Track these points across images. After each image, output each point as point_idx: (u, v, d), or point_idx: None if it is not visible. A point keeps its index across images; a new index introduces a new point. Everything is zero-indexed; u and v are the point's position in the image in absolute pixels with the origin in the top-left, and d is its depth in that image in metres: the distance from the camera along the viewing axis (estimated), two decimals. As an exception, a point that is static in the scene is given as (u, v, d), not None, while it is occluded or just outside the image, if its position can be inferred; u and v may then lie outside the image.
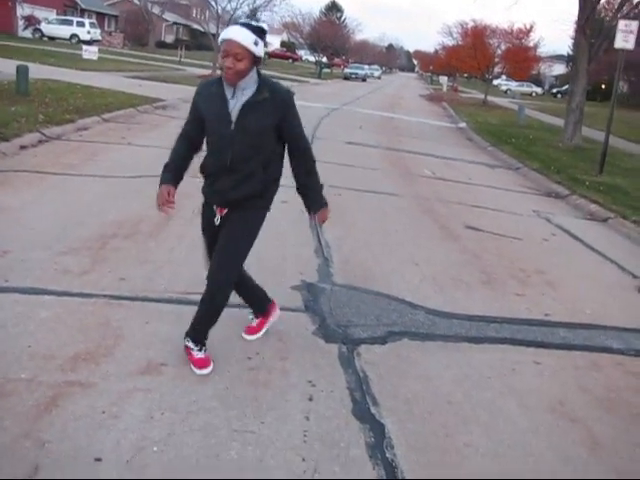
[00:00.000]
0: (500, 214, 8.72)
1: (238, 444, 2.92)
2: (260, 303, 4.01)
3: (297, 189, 3.60)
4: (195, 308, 3.57)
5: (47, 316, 4.03)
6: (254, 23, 3.26)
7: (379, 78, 79.79)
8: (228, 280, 3.48)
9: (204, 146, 3.53)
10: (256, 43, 3.15)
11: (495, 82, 55.55)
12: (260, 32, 3.19)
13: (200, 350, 3.55)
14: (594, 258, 7.19)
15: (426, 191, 9.58)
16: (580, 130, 17.07)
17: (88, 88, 17.15)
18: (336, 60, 79.51)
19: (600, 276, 6.54)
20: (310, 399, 3.38)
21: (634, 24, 11.46)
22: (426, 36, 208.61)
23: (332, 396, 3.44)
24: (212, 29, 33.33)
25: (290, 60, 79.15)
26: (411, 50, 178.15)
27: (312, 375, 3.63)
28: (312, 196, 3.59)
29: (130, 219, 6.26)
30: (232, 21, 31.46)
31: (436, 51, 74.63)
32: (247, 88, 3.27)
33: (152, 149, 10.30)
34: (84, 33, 45.01)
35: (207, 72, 29.72)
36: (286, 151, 3.52)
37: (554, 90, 65.67)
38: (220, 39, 3.23)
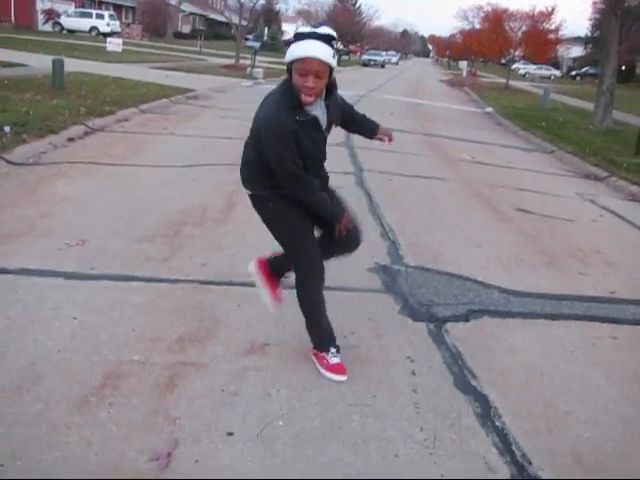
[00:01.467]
0: (545, 196, 8.80)
1: (357, 416, 3.07)
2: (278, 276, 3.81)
3: (355, 129, 3.75)
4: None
5: (141, 301, 4.19)
6: (325, 32, 2.96)
7: (397, 64, 79.55)
8: None
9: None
10: (333, 55, 2.99)
11: (513, 66, 55.28)
12: (332, 40, 2.99)
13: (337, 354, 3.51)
14: (645, 238, 7.26)
15: (470, 175, 9.67)
16: (611, 112, 17.02)
17: (119, 80, 17.33)
18: (352, 47, 79.37)
19: (655, 255, 6.61)
20: (413, 373, 3.53)
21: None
22: (441, 21, 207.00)
23: (432, 370, 3.58)
24: (233, 19, 33.41)
25: (305, 48, 78.98)
26: (426, 35, 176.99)
27: (409, 351, 3.78)
28: (367, 122, 3.70)
29: (194, 207, 6.41)
30: (253, 12, 31.50)
31: (452, 36, 74.13)
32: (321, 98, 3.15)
33: (195, 139, 10.48)
34: (103, 25, 45.23)
35: (230, 62, 29.83)
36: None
37: (573, 72, 65.16)
38: (294, 56, 2.95)
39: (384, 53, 72.44)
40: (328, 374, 3.42)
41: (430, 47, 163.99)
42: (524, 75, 57.74)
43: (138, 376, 3.29)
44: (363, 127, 3.74)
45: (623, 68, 44.72)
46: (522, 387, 3.51)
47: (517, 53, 37.62)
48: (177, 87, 17.54)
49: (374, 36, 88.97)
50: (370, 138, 3.77)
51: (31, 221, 5.58)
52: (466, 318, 4.35)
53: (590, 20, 65.64)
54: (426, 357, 3.73)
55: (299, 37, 2.97)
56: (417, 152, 11.37)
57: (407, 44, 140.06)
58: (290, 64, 2.98)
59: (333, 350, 3.48)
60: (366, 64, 60.46)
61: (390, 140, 3.74)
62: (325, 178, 3.51)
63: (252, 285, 4.57)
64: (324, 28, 2.98)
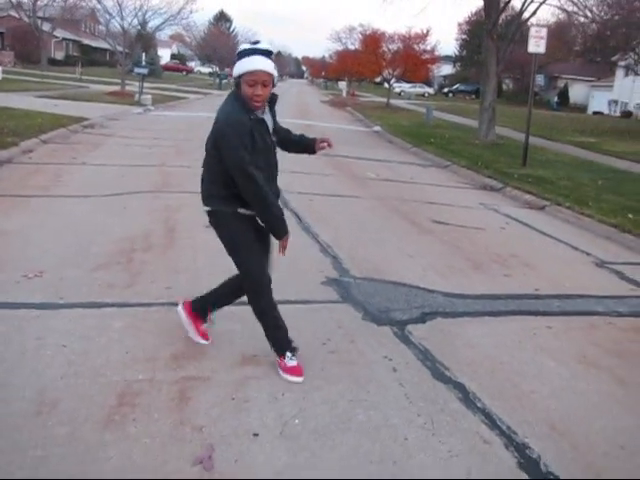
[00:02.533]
0: (453, 208, 9.53)
1: (361, 410, 3.44)
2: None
3: (296, 149, 4.06)
4: (247, 308, 3.92)
5: (122, 325, 4.38)
6: (264, 47, 3.44)
7: (274, 86, 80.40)
8: None
9: None
10: (275, 67, 3.49)
11: (387, 85, 57.53)
12: (271, 55, 3.47)
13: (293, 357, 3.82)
14: (549, 241, 8.09)
15: (380, 192, 10.28)
16: (494, 127, 18.36)
17: (8, 110, 16.91)
18: (228, 70, 79.62)
19: (561, 255, 7.42)
20: (394, 370, 3.95)
21: (543, 30, 12.65)
22: (313, 42, 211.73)
23: (410, 366, 4.02)
24: (105, 44, 32.89)
25: (184, 72, 78.66)
26: (299, 57, 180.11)
27: (383, 352, 4.20)
28: (305, 139, 4.02)
29: (136, 235, 6.57)
30: (132, 38, 31.26)
31: (323, 57, 75.96)
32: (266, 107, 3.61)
33: (109, 167, 10.51)
34: (-29, 53, 43.23)
35: (116, 89, 29.43)
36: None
37: (445, 90, 68.67)
38: (243, 70, 3.38)
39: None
40: (286, 375, 3.74)
41: (304, 68, 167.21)
42: (399, 93, 60.22)
43: (150, 393, 3.50)
44: (303, 144, 4.06)
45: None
46: (489, 374, 4.02)
47: (394, 72, 39.37)
48: (70, 116, 17.29)
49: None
50: (313, 152, 4.10)
51: (-24, 257, 5.57)
52: (422, 320, 4.84)
53: (457, 40, 69.66)
54: (400, 355, 4.17)
55: (243, 54, 3.42)
56: (325, 172, 11.89)
57: (282, 65, 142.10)
58: (238, 77, 3.43)
59: (289, 354, 3.80)
60: (246, 87, 60.84)
61: (330, 145, 4.07)
62: (276, 193, 3.80)
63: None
64: (263, 44, 3.46)
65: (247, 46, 3.47)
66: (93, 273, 5.36)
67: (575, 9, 18.10)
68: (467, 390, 3.76)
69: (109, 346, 4.04)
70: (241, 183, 3.51)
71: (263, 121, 3.57)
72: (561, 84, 57.48)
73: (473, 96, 60.01)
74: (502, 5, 17.79)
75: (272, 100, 3.68)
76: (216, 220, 3.79)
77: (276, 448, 3.07)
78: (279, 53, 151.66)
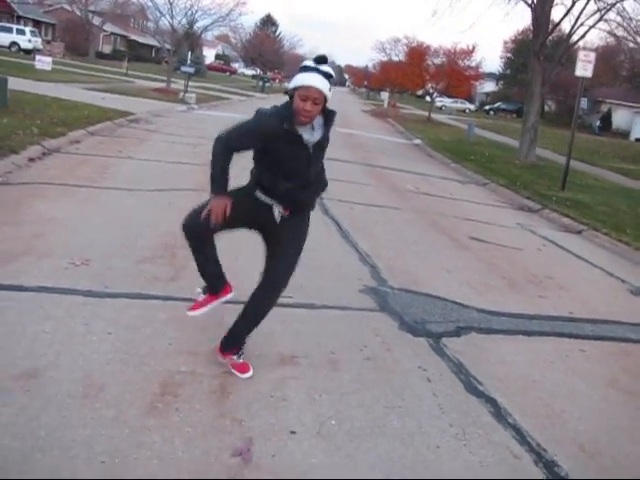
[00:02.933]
0: (491, 226, 9.57)
1: (395, 416, 3.54)
2: (216, 281, 4.12)
3: None
4: (287, 310, 4.02)
5: (166, 317, 4.52)
6: (326, 69, 3.53)
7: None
8: (288, 279, 3.86)
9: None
10: (330, 89, 3.53)
11: (428, 98, 57.44)
12: (330, 77, 3.54)
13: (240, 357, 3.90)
14: (584, 265, 8.09)
15: (421, 205, 10.37)
16: (535, 149, 18.31)
17: (58, 100, 17.28)
18: (270, 74, 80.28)
19: (596, 280, 7.43)
20: (428, 380, 4.04)
21: (592, 55, 12.63)
22: (357, 51, 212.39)
23: (444, 378, 4.10)
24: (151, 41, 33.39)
25: (227, 73, 79.48)
26: (342, 65, 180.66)
27: (418, 362, 4.29)
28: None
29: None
30: (180, 36, 31.79)
31: (366, 66, 76.10)
32: (316, 123, 3.63)
33: (154, 163, 10.74)
34: (24, 41, 44.22)
35: (161, 85, 29.91)
36: None
37: (486, 107, 68.38)
38: (299, 83, 3.48)
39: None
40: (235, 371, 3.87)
41: (346, 76, 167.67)
42: (440, 108, 60.14)
43: (191, 385, 3.64)
44: None
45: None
46: (521, 391, 4.09)
47: (437, 86, 39.38)
48: (116, 110, 17.63)
49: (294, 63, 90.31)
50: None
51: (27, 241, 5.76)
52: (457, 334, 4.91)
53: (501, 58, 69.36)
54: (435, 367, 4.25)
55: (304, 69, 3.53)
56: (365, 182, 12.01)
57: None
58: (293, 90, 3.51)
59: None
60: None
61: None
62: (299, 200, 3.80)
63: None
64: (325, 67, 3.55)
65: (310, 63, 3.56)
66: (138, 265, 5.53)
67: (625, 34, 17.94)
68: (499, 405, 3.84)
69: (153, 337, 4.19)
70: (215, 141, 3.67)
71: (299, 137, 3.58)
72: (604, 108, 56.81)
73: (514, 115, 59.66)
74: (551, 27, 17.77)
75: (328, 117, 3.70)
76: None
77: (313, 446, 3.17)
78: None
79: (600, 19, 17.11)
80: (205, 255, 4.02)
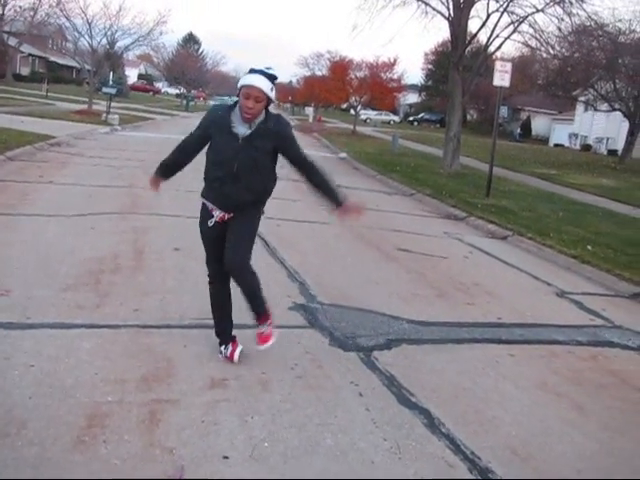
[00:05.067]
0: (419, 236, 9.71)
1: (329, 434, 3.51)
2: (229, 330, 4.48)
3: (317, 193, 4.34)
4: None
5: (91, 347, 4.39)
6: (269, 71, 3.96)
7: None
8: (244, 259, 4.18)
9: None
10: (272, 89, 3.94)
11: (352, 111, 58.13)
12: (274, 79, 3.96)
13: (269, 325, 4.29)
14: (511, 270, 8.29)
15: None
16: (458, 157, 18.72)
17: (-28, 125, 16.70)
18: (194, 92, 79.65)
19: (523, 285, 7.62)
20: (360, 395, 4.03)
21: (508, 65, 13.04)
22: (280, 67, 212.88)
23: (376, 392, 4.10)
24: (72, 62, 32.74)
25: (151, 93, 78.52)
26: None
27: (350, 377, 4.28)
28: (331, 194, 4.26)
29: (105, 256, 6.57)
30: (99, 56, 31.30)
31: (290, 82, 76.48)
32: (257, 120, 4.00)
33: (76, 187, 10.49)
34: None
35: (83, 107, 29.28)
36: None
37: (410, 118, 69.68)
38: (241, 83, 3.92)
39: (228, 98, 73.57)
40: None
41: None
42: (365, 120, 60.85)
43: (119, 415, 3.53)
44: (323, 192, 4.31)
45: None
46: (453, 400, 4.13)
47: (361, 100, 39.92)
48: (36, 133, 17.18)
49: (217, 81, 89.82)
50: (335, 208, 4.33)
51: (-59, 274, 5.52)
52: (388, 346, 4.94)
53: (423, 70, 70.95)
54: (367, 381, 4.26)
55: (251, 71, 3.96)
56: (293, 198, 11.98)
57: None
58: (239, 89, 3.92)
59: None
60: (212, 110, 61.21)
61: (358, 214, 4.44)
62: (228, 194, 4.10)
63: (191, 327, 4.93)
64: (271, 69, 3.99)
65: (257, 67, 3.96)
66: (61, 293, 5.36)
67: (538, 45, 18.62)
68: (432, 416, 3.86)
69: (78, 367, 4.05)
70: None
71: (228, 125, 4.01)
72: (524, 116, 58.82)
73: (438, 125, 60.99)
74: (468, 39, 18.26)
75: (268, 117, 4.03)
76: None
77: (246, 469, 3.12)
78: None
79: (514, 31, 17.71)
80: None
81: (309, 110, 60.51)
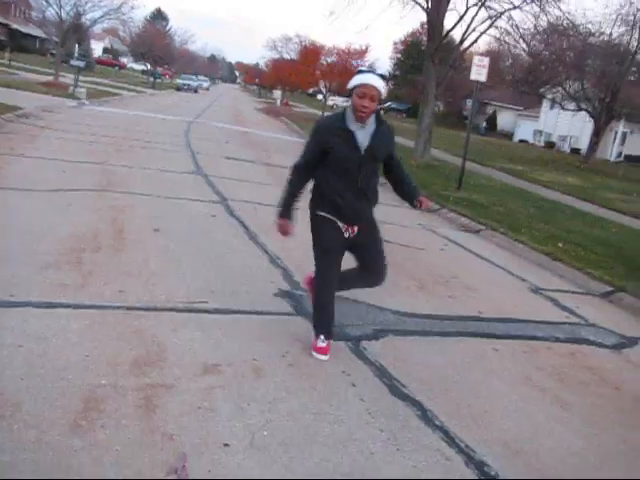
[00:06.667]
0: (394, 226, 9.74)
1: (326, 424, 3.53)
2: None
3: (402, 194, 4.77)
4: (204, 316, 4.32)
5: (80, 327, 4.32)
6: (380, 72, 4.26)
7: (208, 89, 79.83)
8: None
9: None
10: (384, 87, 4.13)
11: (320, 96, 57.93)
12: (385, 78, 4.19)
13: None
14: (486, 264, 8.40)
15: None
16: (429, 149, 18.83)
17: None
18: (160, 69, 78.50)
19: (498, 280, 7.73)
20: (353, 385, 4.05)
21: (486, 60, 13.13)
22: (248, 48, 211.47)
23: (368, 382, 4.13)
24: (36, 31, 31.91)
25: (117, 67, 77.06)
26: (233, 61, 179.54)
27: (341, 366, 4.30)
28: (415, 190, 4.65)
29: (85, 234, 6.47)
30: (66, 28, 30.52)
31: (257, 64, 75.94)
32: (368, 129, 4.13)
33: (49, 161, 10.29)
34: None
35: (49, 79, 28.59)
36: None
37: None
38: (357, 82, 4.02)
39: (195, 77, 72.76)
40: (314, 352, 4.33)
41: (237, 73, 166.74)
42: (332, 106, 60.70)
43: (115, 399, 3.48)
44: (405, 193, 4.72)
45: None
46: (444, 393, 4.18)
47: (330, 85, 39.85)
48: (2, 103, 16.71)
49: (185, 60, 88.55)
50: (412, 204, 4.70)
51: None
52: (375, 337, 4.97)
53: (391, 59, 71.05)
54: (358, 371, 4.28)
55: (360, 72, 4.14)
56: (267, 182, 11.96)
57: (215, 69, 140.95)
58: (351, 89, 4.03)
59: (322, 337, 4.33)
60: (179, 89, 60.54)
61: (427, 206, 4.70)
62: (354, 209, 4.29)
63: (179, 310, 4.89)
64: (379, 71, 4.25)
65: (365, 68, 4.15)
66: (43, 272, 5.26)
67: (513, 41, 18.80)
68: (425, 408, 3.90)
69: (68, 348, 3.99)
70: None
71: (350, 132, 4.06)
72: (490, 110, 59.39)
73: (404, 115, 61.23)
74: (445, 32, 18.34)
75: (379, 119, 4.18)
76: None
77: (248, 458, 3.11)
78: (212, 56, 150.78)
79: (490, 25, 17.85)
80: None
81: (277, 93, 60.16)
